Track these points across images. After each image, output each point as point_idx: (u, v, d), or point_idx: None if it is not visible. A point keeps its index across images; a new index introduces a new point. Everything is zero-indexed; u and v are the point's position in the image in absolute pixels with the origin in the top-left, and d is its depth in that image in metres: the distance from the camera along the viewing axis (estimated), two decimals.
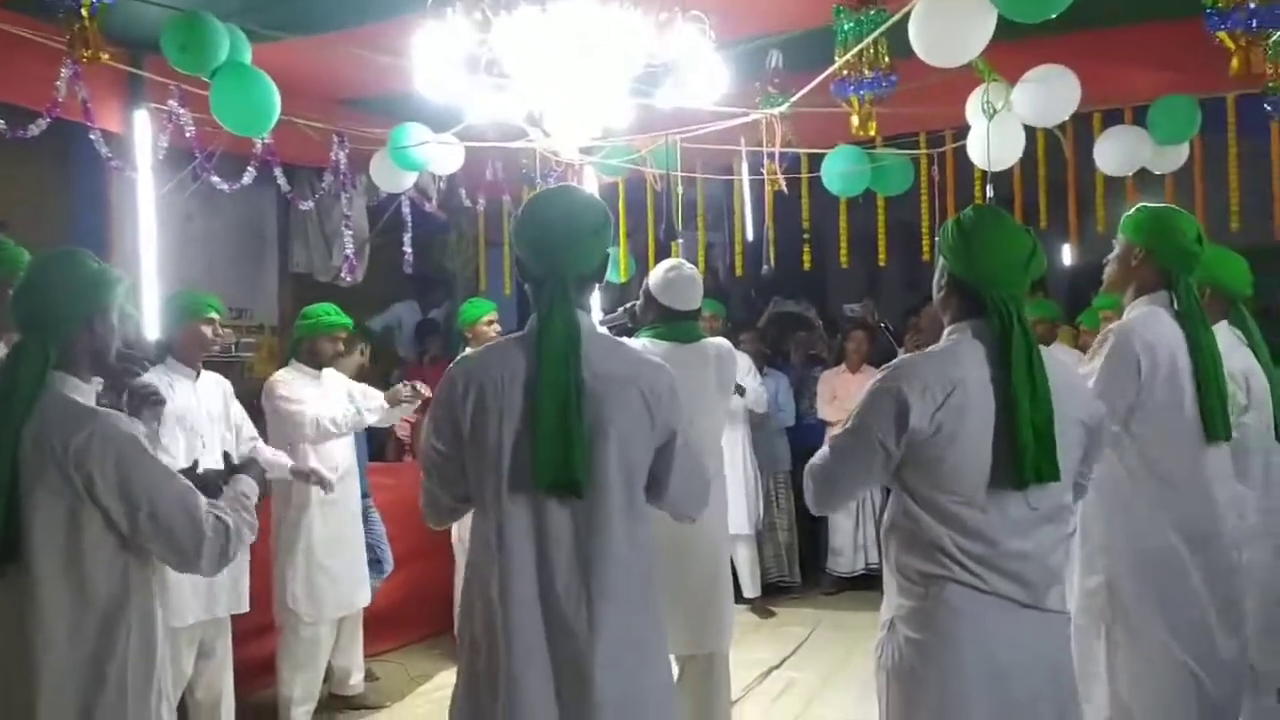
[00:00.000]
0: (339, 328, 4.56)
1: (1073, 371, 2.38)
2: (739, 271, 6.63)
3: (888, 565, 2.30)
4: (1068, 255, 6.94)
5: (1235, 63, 3.07)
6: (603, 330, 2.45)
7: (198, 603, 3.87)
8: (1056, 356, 2.34)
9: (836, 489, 2.33)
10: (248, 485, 2.42)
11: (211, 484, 2.35)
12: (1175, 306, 2.75)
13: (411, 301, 7.79)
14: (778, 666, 5.16)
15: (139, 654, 2.17)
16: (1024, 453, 2.07)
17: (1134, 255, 2.82)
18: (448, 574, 4.99)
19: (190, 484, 2.23)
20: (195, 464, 2.40)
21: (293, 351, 4.58)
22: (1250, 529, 2.98)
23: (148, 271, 4.70)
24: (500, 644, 2.07)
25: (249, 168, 4.79)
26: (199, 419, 3.92)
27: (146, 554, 2.20)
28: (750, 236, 5.88)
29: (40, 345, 2.15)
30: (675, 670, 3.20)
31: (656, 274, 3.68)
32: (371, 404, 4.52)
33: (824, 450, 2.33)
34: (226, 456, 2.56)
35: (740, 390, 5.62)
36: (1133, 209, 2.89)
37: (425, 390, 4.48)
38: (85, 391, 2.23)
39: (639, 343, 3.46)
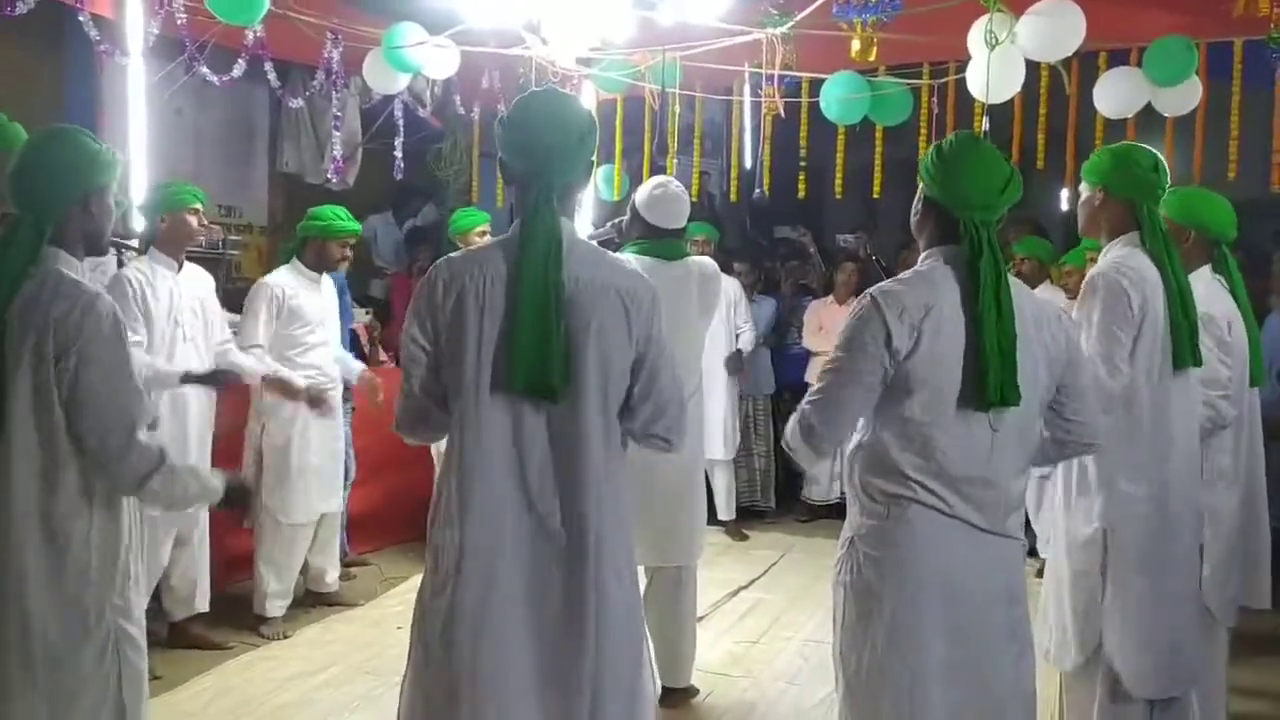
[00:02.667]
0: (349, 233, 4.51)
1: (1048, 304, 2.38)
2: (734, 197, 6.59)
3: (850, 486, 2.31)
4: (1065, 200, 6.89)
5: (1241, 2, 3.02)
6: (585, 237, 2.43)
7: None
8: (1033, 292, 2.35)
9: (831, 424, 2.23)
10: (213, 478, 2.45)
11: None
12: (1143, 238, 2.75)
13: (386, 213, 7.69)
14: (746, 587, 5.26)
15: (105, 533, 2.20)
16: (987, 373, 2.09)
17: (1095, 197, 2.84)
18: (426, 481, 5.03)
19: (141, 394, 2.22)
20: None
21: (295, 252, 4.53)
22: (1223, 472, 3.03)
23: (136, 160, 4.64)
24: (470, 536, 2.08)
25: (239, 60, 4.70)
26: (181, 311, 3.92)
27: None
28: (748, 164, 5.83)
29: (35, 221, 2.16)
30: (643, 582, 3.25)
31: (643, 191, 3.66)
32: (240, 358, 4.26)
33: (812, 391, 2.28)
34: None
35: (738, 366, 5.78)
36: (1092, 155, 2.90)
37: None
38: (78, 269, 2.23)
39: (623, 258, 3.45)
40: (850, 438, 2.29)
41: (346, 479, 4.97)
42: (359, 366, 4.81)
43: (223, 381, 3.95)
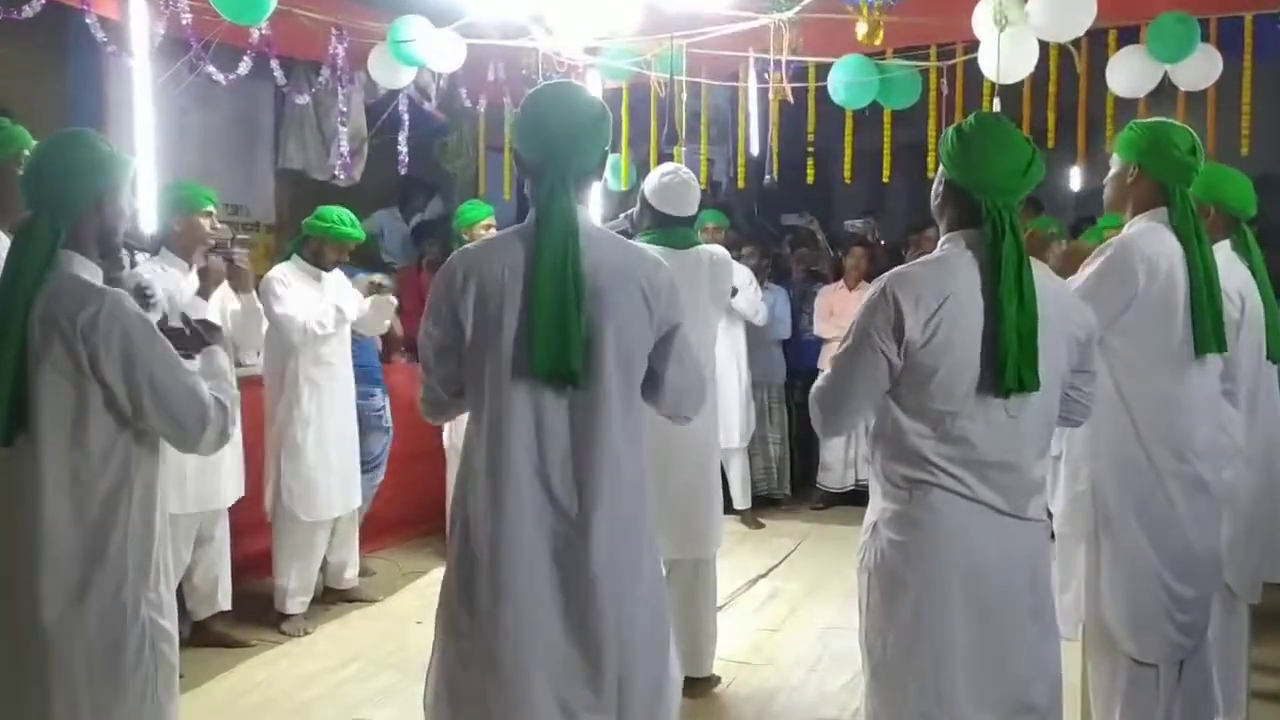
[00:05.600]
0: (349, 239, 4.51)
1: (1064, 285, 2.37)
2: (741, 184, 6.56)
3: (873, 471, 2.32)
4: (1075, 179, 6.86)
5: None
6: (601, 226, 2.43)
7: (200, 492, 3.94)
8: (1051, 274, 2.34)
9: (844, 405, 2.28)
10: (224, 359, 2.44)
11: (186, 340, 2.37)
12: (1173, 221, 2.72)
13: (393, 208, 7.69)
14: (764, 575, 5.26)
15: (139, 529, 2.21)
16: (1007, 360, 2.08)
17: (1129, 173, 2.79)
18: (440, 475, 5.05)
19: (190, 367, 2.26)
20: (164, 318, 2.39)
21: (297, 247, 4.54)
22: (1235, 448, 3.01)
23: (144, 162, 4.63)
24: (493, 522, 2.09)
25: (244, 58, 4.70)
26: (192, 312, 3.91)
27: (149, 434, 2.22)
28: (755, 149, 5.81)
29: (50, 223, 2.16)
30: (663, 572, 3.25)
31: (652, 179, 3.65)
32: (349, 304, 4.46)
33: (825, 372, 2.33)
34: (185, 319, 2.53)
35: (732, 291, 5.54)
36: (1125, 128, 2.86)
37: (382, 280, 4.48)
38: (93, 271, 2.24)
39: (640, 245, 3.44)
40: (859, 423, 2.29)
41: (375, 477, 5.02)
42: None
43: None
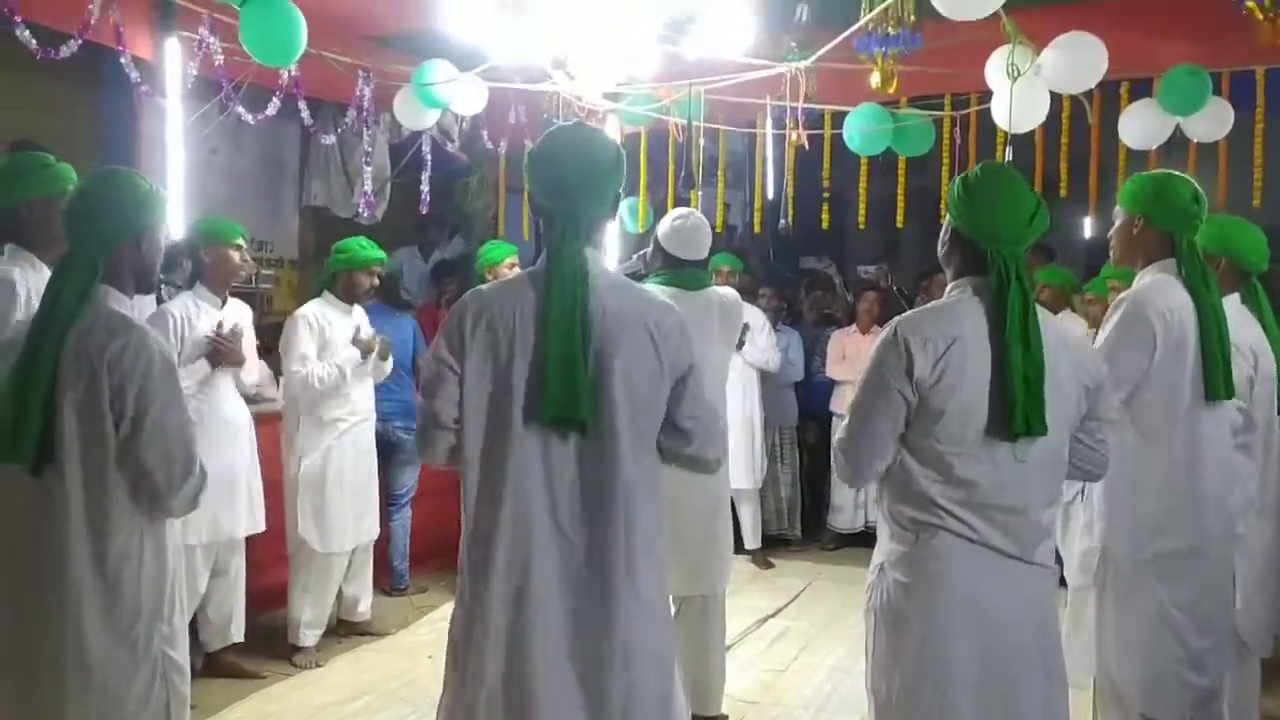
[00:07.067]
0: (374, 261, 4.60)
1: (1073, 333, 2.41)
2: (757, 228, 6.64)
3: (881, 512, 2.35)
4: (1088, 227, 6.91)
5: (1261, 33, 3.05)
6: (612, 269, 2.47)
7: (217, 522, 3.99)
8: (1060, 321, 2.37)
9: (867, 450, 2.28)
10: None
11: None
12: (1181, 270, 2.76)
13: (413, 247, 7.81)
14: (774, 615, 5.26)
15: (155, 562, 2.26)
16: (1014, 404, 2.11)
17: (1134, 224, 2.83)
18: (453, 510, 5.06)
19: (191, 422, 2.31)
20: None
21: (327, 285, 4.63)
22: (1250, 501, 3.01)
23: (174, 199, 4.74)
24: (504, 561, 2.11)
25: (274, 99, 4.82)
26: None
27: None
28: (770, 194, 5.89)
29: (89, 258, 2.22)
30: (672, 610, 3.27)
31: (665, 223, 3.71)
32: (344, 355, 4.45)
33: (844, 423, 2.35)
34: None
35: (743, 338, 5.53)
36: (1128, 180, 2.90)
37: (373, 339, 4.54)
38: (128, 305, 2.30)
39: (651, 288, 3.50)
40: (883, 468, 2.31)
41: (401, 506, 5.20)
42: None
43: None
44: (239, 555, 4.20)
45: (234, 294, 4.38)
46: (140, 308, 4.06)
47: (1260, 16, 3.00)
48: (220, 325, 4.02)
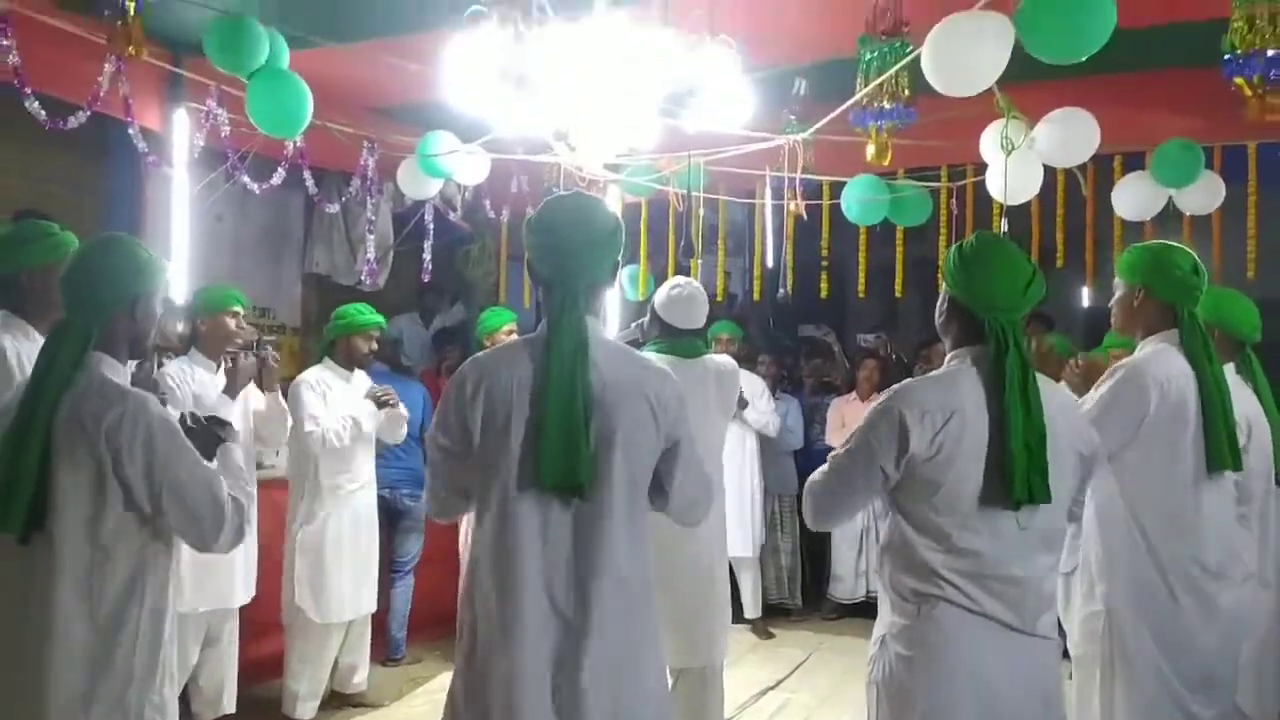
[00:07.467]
0: (372, 326, 4.63)
1: (1071, 401, 2.42)
2: (757, 296, 6.68)
3: (882, 583, 2.33)
4: (1085, 297, 6.96)
5: (1250, 108, 3.11)
6: (611, 337, 2.48)
7: (210, 592, 3.96)
8: (1060, 389, 2.38)
9: (833, 507, 2.38)
10: (239, 455, 2.48)
11: (196, 436, 2.35)
12: (1182, 341, 2.77)
13: (414, 313, 7.86)
14: (774, 687, 5.18)
15: (148, 630, 2.22)
16: (1015, 471, 2.11)
17: (1134, 296, 2.85)
18: (452, 580, 5.03)
19: (211, 467, 2.30)
20: (183, 417, 2.43)
21: (326, 351, 4.65)
22: (1248, 572, 3.00)
23: (178, 267, 4.79)
24: (500, 631, 2.09)
25: (279, 168, 4.89)
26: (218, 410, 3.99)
27: (165, 533, 2.25)
28: (770, 263, 5.94)
29: (83, 325, 2.22)
30: (670, 682, 3.23)
31: (661, 292, 3.74)
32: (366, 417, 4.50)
33: (824, 467, 2.37)
34: (194, 417, 2.52)
35: (742, 404, 5.56)
36: (1126, 251, 2.93)
37: (386, 392, 4.59)
38: (121, 373, 2.29)
39: (649, 356, 3.51)
40: (846, 521, 2.34)
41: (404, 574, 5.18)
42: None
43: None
44: (232, 624, 4.16)
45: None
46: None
47: (1249, 93, 3.06)
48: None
